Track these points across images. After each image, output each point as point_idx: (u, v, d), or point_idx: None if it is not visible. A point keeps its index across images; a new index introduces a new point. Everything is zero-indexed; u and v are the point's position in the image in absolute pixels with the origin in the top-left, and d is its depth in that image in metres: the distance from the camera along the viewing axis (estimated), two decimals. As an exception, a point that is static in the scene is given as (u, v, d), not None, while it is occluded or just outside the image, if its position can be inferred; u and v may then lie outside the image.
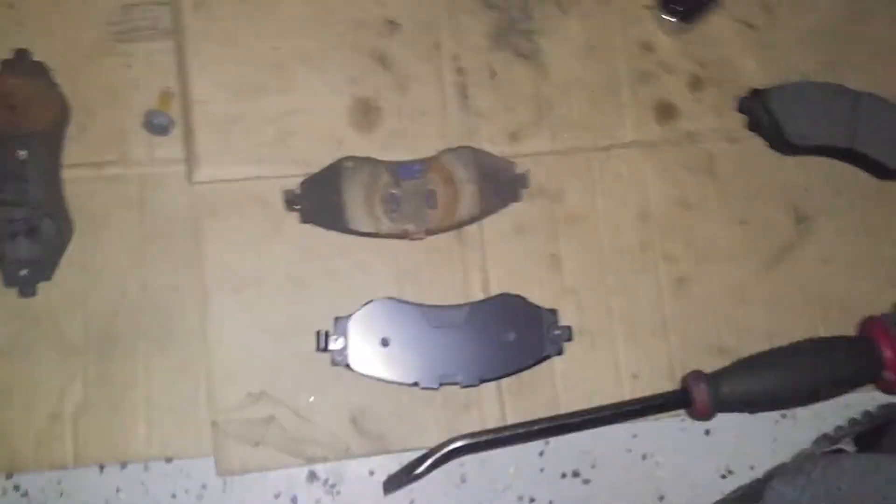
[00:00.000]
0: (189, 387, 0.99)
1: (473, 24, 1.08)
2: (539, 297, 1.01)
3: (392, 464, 0.98)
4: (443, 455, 0.92)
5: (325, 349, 1.01)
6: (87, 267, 1.00)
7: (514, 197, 1.04)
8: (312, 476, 1.02)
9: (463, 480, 1.01)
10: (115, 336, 0.98)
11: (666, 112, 1.11)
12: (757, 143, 1.10)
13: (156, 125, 1.01)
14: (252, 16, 1.05)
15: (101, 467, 0.97)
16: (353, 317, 0.97)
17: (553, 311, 0.99)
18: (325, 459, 0.97)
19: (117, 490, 0.97)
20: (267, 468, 0.98)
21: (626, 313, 1.04)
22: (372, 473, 1.02)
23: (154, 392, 0.98)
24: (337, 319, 0.97)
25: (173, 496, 0.99)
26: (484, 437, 0.93)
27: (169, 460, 0.98)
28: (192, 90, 1.03)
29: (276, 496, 1.00)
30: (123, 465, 0.98)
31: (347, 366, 0.96)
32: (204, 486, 0.99)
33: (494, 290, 1.01)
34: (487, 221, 1.04)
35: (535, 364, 0.99)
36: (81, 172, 1.03)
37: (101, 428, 0.96)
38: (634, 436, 1.04)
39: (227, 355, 0.98)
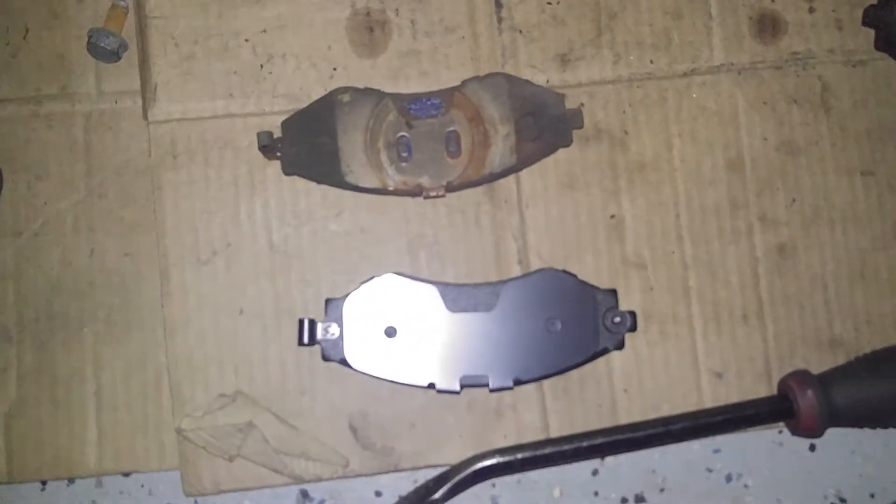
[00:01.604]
0: (149, 383, 0.91)
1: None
2: (594, 272, 0.92)
3: (403, 484, 0.91)
4: (468, 476, 0.83)
5: (312, 341, 0.89)
6: (19, 229, 0.92)
7: (563, 140, 0.91)
8: (304, 498, 0.93)
9: None
10: (55, 317, 0.91)
11: (767, 25, 0.98)
12: (888, 66, 0.95)
13: (103, 49, 0.92)
14: None
15: (43, 484, 0.91)
16: (350, 297, 0.87)
17: (612, 292, 0.89)
18: (318, 478, 0.88)
19: (64, 511, 0.88)
20: (246, 487, 0.90)
21: (708, 293, 0.93)
22: (378, 495, 0.93)
23: (106, 389, 0.91)
24: (329, 301, 0.88)
25: (132, 519, 0.90)
26: (520, 454, 0.85)
27: (126, 475, 0.92)
28: (147, 3, 0.94)
29: (259, 522, 0.89)
30: (71, 482, 0.91)
31: (343, 361, 0.87)
32: (169, 508, 0.88)
33: (535, 265, 0.92)
34: (527, 173, 0.93)
35: (587, 361, 0.89)
36: (12, 110, 0.95)
37: (40, 434, 0.89)
38: (716, 451, 0.94)
39: (194, 344, 0.90)
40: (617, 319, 0.88)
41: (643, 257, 0.93)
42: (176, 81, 0.93)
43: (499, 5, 0.97)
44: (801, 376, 0.87)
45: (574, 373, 0.90)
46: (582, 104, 0.94)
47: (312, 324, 0.89)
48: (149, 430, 0.90)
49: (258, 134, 0.92)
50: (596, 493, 0.94)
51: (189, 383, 0.90)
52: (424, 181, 0.90)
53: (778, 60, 0.97)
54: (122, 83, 0.95)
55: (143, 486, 0.92)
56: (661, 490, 0.94)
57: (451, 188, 0.90)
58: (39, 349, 0.94)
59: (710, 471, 0.94)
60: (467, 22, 0.96)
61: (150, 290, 0.93)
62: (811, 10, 0.98)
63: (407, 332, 0.88)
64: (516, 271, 0.92)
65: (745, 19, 0.97)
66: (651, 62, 0.96)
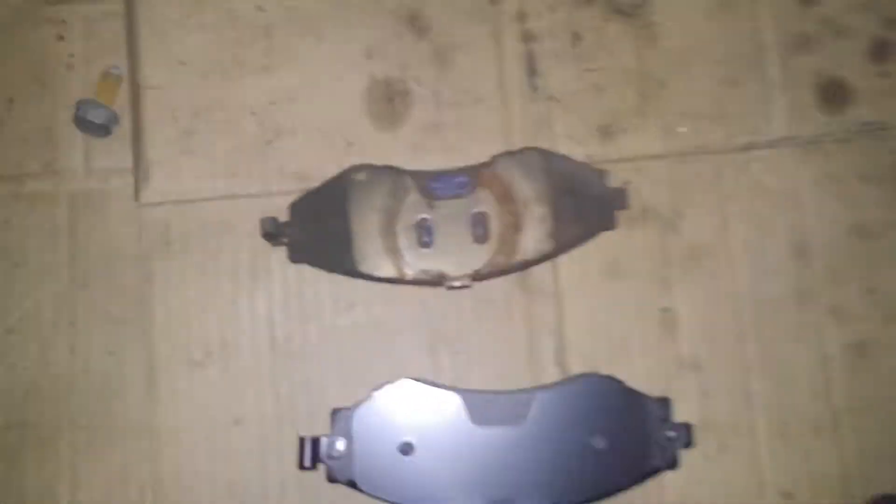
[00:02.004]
0: (131, 500, 0.84)
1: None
2: (642, 375, 0.84)
3: None
4: None
5: (315, 462, 0.80)
6: (-7, 322, 0.84)
7: (607, 223, 0.86)
8: None
9: None
10: (28, 425, 0.86)
11: (834, 93, 0.90)
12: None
13: (92, 122, 0.88)
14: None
15: None
16: (361, 408, 0.80)
17: (664, 401, 0.81)
18: None
19: None
20: None
21: (774, 400, 0.85)
22: None
23: None
24: (336, 412, 0.81)
25: None
26: None
27: None
28: (142, 71, 0.89)
29: None
30: None
31: (352, 483, 0.79)
32: None
33: (575, 366, 0.85)
34: (565, 260, 0.87)
35: (635, 483, 0.81)
36: (-8, 188, 0.87)
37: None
38: None
39: (183, 458, 0.84)
40: (670, 434, 0.81)
41: (699, 357, 0.86)
42: (172, 158, 0.89)
43: (532, 72, 0.91)
44: (889, 502, 0.78)
45: (620, 497, 0.81)
46: (627, 181, 0.88)
47: (316, 443, 0.80)
48: None
49: (262, 220, 0.84)
50: None
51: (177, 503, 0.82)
52: (448, 269, 0.84)
53: (846, 132, 0.90)
54: (112, 160, 0.90)
55: None
56: None
57: (478, 277, 0.84)
58: (9, 462, 0.86)
59: None
60: (497, 90, 0.90)
61: (137, 395, 0.86)
62: (883, 76, 0.91)
63: (426, 448, 0.80)
64: (553, 374, 0.86)
65: (808, 87, 0.90)
66: (704, 134, 0.90)
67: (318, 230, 0.85)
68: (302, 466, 0.80)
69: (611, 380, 0.82)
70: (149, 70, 0.90)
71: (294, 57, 0.90)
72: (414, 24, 0.92)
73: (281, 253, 0.86)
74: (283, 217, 0.85)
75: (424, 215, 0.85)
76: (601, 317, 0.87)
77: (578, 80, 0.90)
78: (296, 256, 0.86)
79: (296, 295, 0.87)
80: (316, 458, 0.80)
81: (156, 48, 0.91)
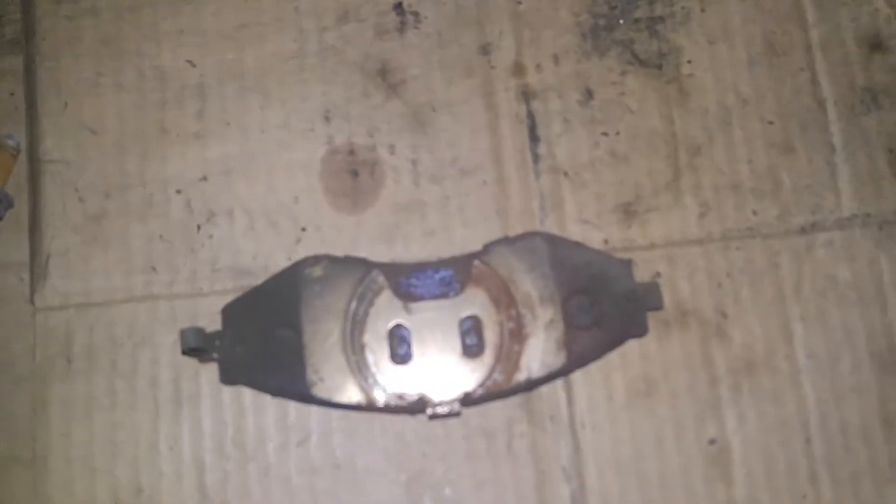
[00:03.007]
0: None
1: (551, 9, 0.84)
2: None
3: None
4: None
5: None
6: None
7: (634, 328, 0.77)
8: None
9: None
10: None
11: None
12: None
13: None
14: (153, 6, 0.84)
15: None
16: None
17: None
18: None
19: None
20: None
21: None
22: None
23: None
24: None
25: None
26: None
27: None
28: (44, 142, 0.81)
29: None
30: None
31: None
32: None
33: None
34: (582, 378, 0.77)
35: None
36: None
37: None
38: None
39: None
40: None
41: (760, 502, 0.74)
42: (77, 250, 0.79)
43: (534, 138, 0.82)
44: None
45: None
46: (658, 274, 0.78)
47: None
48: None
49: (182, 332, 0.73)
50: None
51: None
52: (431, 392, 0.74)
53: None
54: (2, 253, 0.84)
55: None
56: None
57: (469, 401, 0.74)
58: None
59: None
60: (491, 161, 0.81)
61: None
62: (979, 133, 0.82)
63: None
64: (571, 530, 0.73)
65: (882, 152, 0.82)
66: (754, 213, 0.80)
67: (259, 342, 0.75)
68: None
69: (648, 540, 0.67)
70: (51, 141, 0.82)
71: (233, 122, 0.82)
72: (384, 79, 0.83)
73: (212, 371, 0.76)
74: (215, 324, 0.75)
75: (400, 322, 0.75)
76: (631, 452, 0.76)
77: (592, 148, 0.81)
78: (230, 377, 0.75)
79: (231, 426, 0.76)
80: None
81: (60, 114, 0.82)
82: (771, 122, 0.82)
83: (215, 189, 0.80)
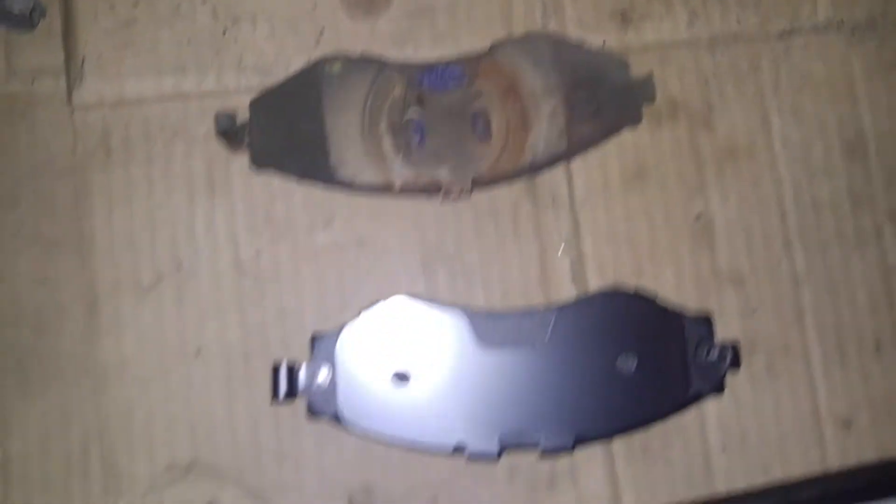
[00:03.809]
0: (74, 451, 0.80)
1: None
2: (675, 292, 0.83)
3: None
4: None
5: (293, 393, 0.77)
6: None
7: (629, 118, 0.84)
8: None
9: None
10: None
11: None
12: None
13: (11, 12, 0.83)
14: None
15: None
16: (346, 332, 0.77)
17: (704, 319, 0.79)
18: None
19: None
20: None
21: (828, 315, 0.84)
22: None
23: (16, 461, 0.80)
24: (316, 338, 0.78)
25: None
26: None
27: None
28: None
29: None
30: None
31: (337, 417, 0.77)
32: None
33: (596, 283, 0.83)
34: (581, 162, 0.85)
35: (672, 411, 0.79)
36: None
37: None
38: None
39: (134, 397, 0.80)
40: (713, 355, 0.78)
41: (741, 270, 0.84)
42: (110, 54, 0.85)
43: None
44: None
45: (655, 428, 0.81)
46: (651, 71, 0.85)
47: (292, 371, 0.76)
48: None
49: (217, 116, 0.81)
50: None
51: (127, 450, 0.80)
52: (443, 176, 0.81)
53: None
54: (39, 58, 0.86)
55: None
56: None
57: (478, 184, 0.82)
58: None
59: None
60: None
61: (75, 327, 0.82)
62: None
63: (423, 377, 0.77)
64: (570, 293, 0.83)
65: None
66: (737, 21, 0.89)
67: (285, 132, 0.82)
68: (276, 398, 0.76)
69: (640, 295, 0.79)
70: None
71: None
72: None
73: (242, 160, 0.83)
74: (243, 118, 0.82)
75: (413, 114, 0.82)
76: (625, 227, 0.85)
77: None
78: (260, 163, 0.82)
79: (262, 209, 0.83)
80: (293, 390, 0.76)
81: None
82: (753, -63, 0.89)
83: (234, -2, 0.85)
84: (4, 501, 0.80)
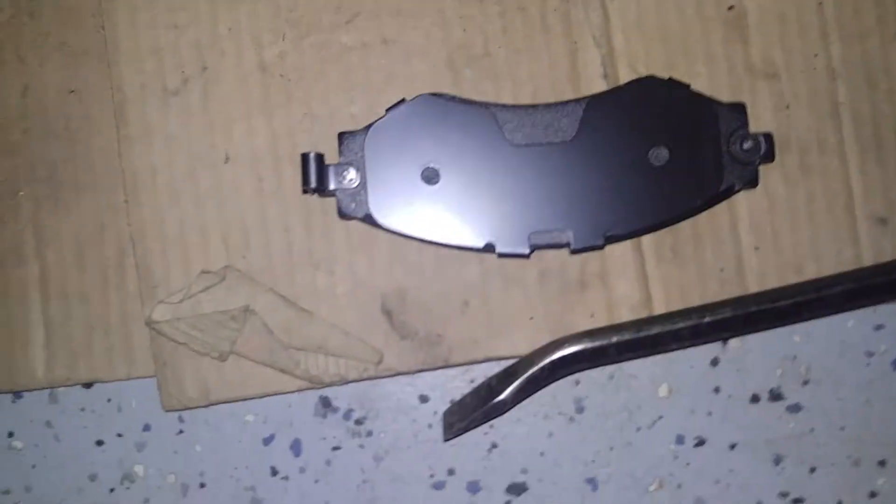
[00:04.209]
0: (109, 261, 0.80)
1: None
2: (707, 86, 0.78)
3: (456, 385, 0.82)
4: (544, 369, 0.73)
5: (323, 188, 0.75)
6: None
7: None
8: (325, 406, 0.83)
9: (579, 411, 0.82)
10: None
11: None
12: None
13: None
14: None
15: (-19, 399, 0.80)
16: (374, 129, 0.75)
17: (739, 106, 0.75)
18: (343, 379, 0.78)
19: (10, 435, 0.83)
20: (245, 396, 0.79)
21: (865, 110, 0.79)
22: (424, 400, 0.83)
23: (53, 272, 0.80)
24: (344, 136, 0.75)
25: (99, 443, 0.83)
26: (615, 338, 0.74)
27: (87, 386, 0.82)
28: None
29: (267, 441, 0.83)
30: (17, 396, 0.82)
31: (368, 218, 0.75)
32: (147, 428, 0.83)
33: (627, 78, 0.79)
34: None
35: (705, 206, 0.76)
36: None
37: (-31, 335, 0.78)
38: (879, 328, 0.83)
39: (165, 205, 0.79)
40: (747, 145, 0.75)
41: (775, 63, 0.80)
42: None
43: None
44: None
45: (686, 225, 0.78)
46: None
47: (322, 161, 0.72)
48: (111, 326, 0.79)
49: None
50: (717, 390, 0.83)
51: (161, 259, 0.79)
52: None
53: None
54: None
55: (109, 400, 0.83)
56: (805, 382, 0.83)
57: None
58: (-39, 223, 0.80)
59: (870, 355, 0.83)
60: None
61: (105, 137, 0.80)
62: None
63: (454, 174, 0.75)
64: (601, 84, 0.79)
65: None
66: None
67: None
68: (307, 188, 0.73)
69: (674, 83, 0.76)
70: None
71: None
72: None
73: None
74: None
75: None
76: (656, 19, 0.80)
77: None
78: None
79: (285, 7, 0.80)
80: (323, 185, 0.74)
81: None
82: None
83: None
84: (44, 315, 0.80)
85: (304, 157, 0.75)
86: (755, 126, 0.78)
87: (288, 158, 0.79)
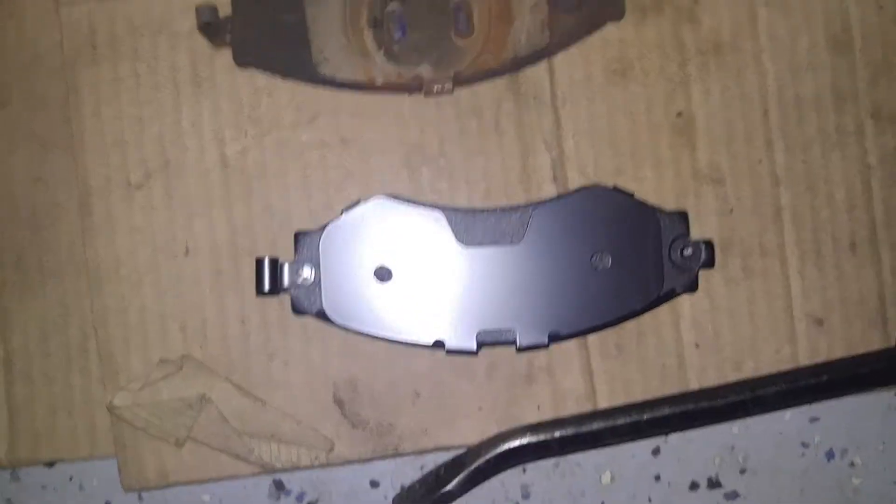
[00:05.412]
0: (72, 347, 0.78)
1: None
2: (655, 190, 0.77)
3: (406, 471, 0.79)
4: (491, 460, 0.71)
5: (277, 288, 0.73)
6: None
7: (612, 11, 0.77)
8: (279, 489, 0.81)
9: (525, 497, 0.81)
10: None
11: None
12: None
13: None
14: None
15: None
16: (329, 229, 0.73)
17: (680, 215, 0.74)
18: (295, 466, 0.76)
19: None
20: (201, 479, 0.77)
21: (805, 215, 0.78)
22: (374, 485, 0.81)
23: (17, 356, 0.78)
24: (300, 235, 0.73)
25: (60, 521, 0.79)
26: (559, 432, 0.72)
27: (49, 465, 0.80)
28: None
29: (220, 523, 0.79)
30: None
31: (322, 314, 0.73)
32: (107, 506, 0.79)
33: (576, 181, 0.77)
34: (563, 58, 0.78)
35: (647, 308, 0.74)
36: None
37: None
38: (814, 420, 0.81)
39: (127, 294, 0.77)
40: (687, 251, 0.73)
41: (720, 169, 0.78)
42: None
43: None
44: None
45: (629, 324, 0.76)
46: None
47: (276, 265, 0.70)
48: (75, 407, 0.77)
49: (198, 8, 0.74)
50: (657, 478, 0.81)
51: (123, 346, 0.77)
52: (425, 72, 0.75)
53: None
54: None
55: (71, 478, 0.81)
56: (742, 471, 0.82)
57: (460, 80, 0.75)
58: (-71, 306, 0.78)
59: (805, 446, 0.82)
60: None
61: (70, 225, 0.77)
62: None
63: (405, 273, 0.73)
64: (550, 191, 0.77)
65: None
66: None
67: (268, 25, 0.75)
68: (260, 291, 0.71)
69: (617, 191, 0.74)
70: None
71: None
72: None
73: (226, 56, 0.77)
74: (226, 12, 0.76)
75: (394, 6, 0.75)
76: (606, 125, 0.78)
77: None
78: (243, 59, 0.76)
79: (247, 105, 0.78)
80: (277, 286, 0.71)
81: None
82: None
83: None
84: (8, 396, 0.78)
85: (259, 262, 0.72)
86: (701, 228, 0.77)
87: (247, 252, 0.77)
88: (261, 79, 0.77)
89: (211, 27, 0.74)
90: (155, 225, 0.77)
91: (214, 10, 0.74)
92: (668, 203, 0.77)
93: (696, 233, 0.76)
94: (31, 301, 0.78)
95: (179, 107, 0.78)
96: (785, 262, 0.78)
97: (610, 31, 0.78)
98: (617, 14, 0.77)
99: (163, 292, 0.77)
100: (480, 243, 0.73)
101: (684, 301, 0.77)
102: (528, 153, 0.78)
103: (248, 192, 0.77)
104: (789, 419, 0.81)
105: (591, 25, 0.77)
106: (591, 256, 0.73)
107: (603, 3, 0.77)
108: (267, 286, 0.72)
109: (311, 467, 0.77)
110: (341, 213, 0.74)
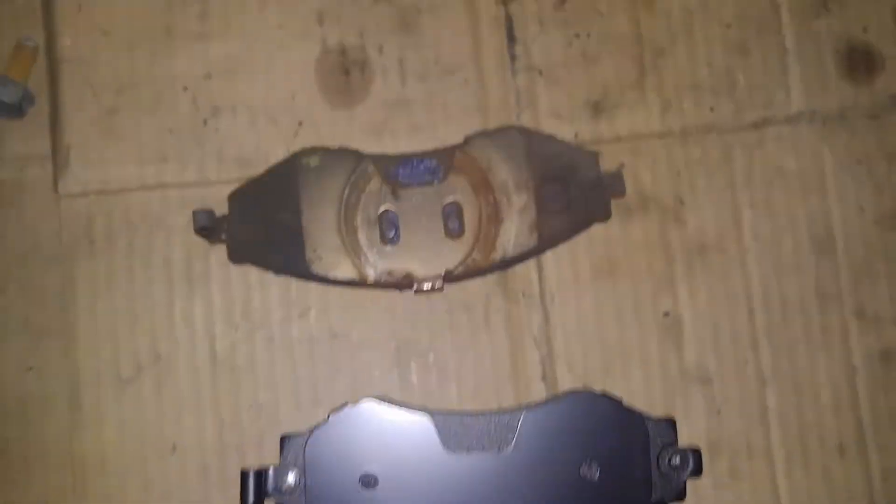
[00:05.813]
0: None
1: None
2: (642, 389, 0.76)
3: None
4: None
5: (260, 498, 0.71)
6: None
7: (599, 213, 0.77)
8: None
9: None
10: None
11: (859, 61, 0.82)
12: None
13: (2, 101, 0.78)
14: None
15: None
16: (315, 434, 0.71)
17: (668, 423, 0.72)
18: None
19: None
20: None
21: (792, 416, 0.77)
22: None
23: None
24: (286, 439, 0.71)
25: None
26: None
27: None
28: (60, 42, 0.80)
29: None
30: None
31: None
32: None
33: (565, 380, 0.77)
34: (552, 257, 0.78)
35: None
36: None
37: None
38: None
39: (112, 490, 0.74)
40: (675, 461, 0.72)
41: (707, 369, 0.77)
42: (94, 142, 0.79)
43: (512, 39, 0.81)
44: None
45: None
46: (622, 164, 0.78)
47: (261, 476, 0.68)
48: None
49: (195, 213, 0.75)
50: None
51: None
52: (416, 270, 0.75)
53: (874, 106, 0.82)
54: (26, 145, 0.80)
55: None
56: None
57: (451, 278, 0.75)
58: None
59: None
60: (472, 61, 0.81)
61: (59, 417, 0.76)
62: (917, 39, 0.81)
63: (391, 481, 0.71)
64: (539, 390, 0.76)
65: (830, 54, 0.82)
66: (711, 110, 0.81)
67: (262, 225, 0.75)
68: (246, 500, 0.68)
69: (606, 398, 0.73)
70: (67, 41, 0.80)
71: (233, 23, 0.80)
72: (374, -17, 0.80)
73: (220, 252, 0.77)
74: (222, 209, 0.76)
75: (388, 207, 0.76)
76: (594, 323, 0.78)
77: (565, 48, 0.81)
78: (237, 256, 0.76)
79: (239, 301, 0.77)
80: (262, 495, 0.69)
81: (75, 16, 0.80)
82: (729, 26, 0.82)
83: (219, 86, 0.80)
84: None
85: (244, 474, 0.70)
86: (689, 429, 0.76)
87: (234, 447, 0.76)
88: (254, 275, 0.77)
89: (207, 229, 0.74)
90: (143, 421, 0.76)
91: (211, 213, 0.74)
92: (657, 403, 0.75)
93: (683, 434, 0.74)
94: (12, 492, 0.76)
95: (172, 301, 0.77)
96: (772, 463, 0.77)
97: (597, 230, 0.78)
98: (604, 215, 0.77)
99: (147, 489, 0.75)
100: (468, 449, 0.71)
101: (673, 507, 0.74)
102: (517, 350, 0.77)
103: (237, 387, 0.76)
104: None
105: (579, 226, 0.77)
106: (580, 466, 0.71)
107: (590, 205, 0.77)
108: (251, 499, 0.70)
109: None
110: (328, 416, 0.72)
